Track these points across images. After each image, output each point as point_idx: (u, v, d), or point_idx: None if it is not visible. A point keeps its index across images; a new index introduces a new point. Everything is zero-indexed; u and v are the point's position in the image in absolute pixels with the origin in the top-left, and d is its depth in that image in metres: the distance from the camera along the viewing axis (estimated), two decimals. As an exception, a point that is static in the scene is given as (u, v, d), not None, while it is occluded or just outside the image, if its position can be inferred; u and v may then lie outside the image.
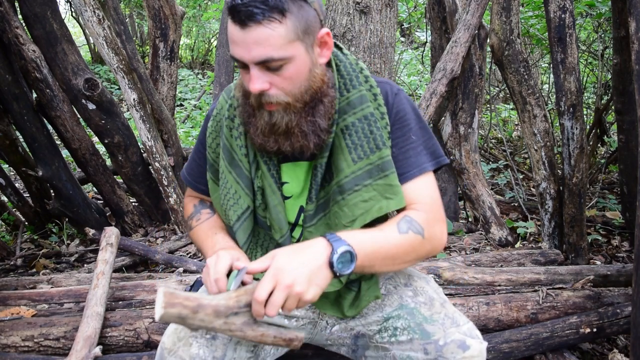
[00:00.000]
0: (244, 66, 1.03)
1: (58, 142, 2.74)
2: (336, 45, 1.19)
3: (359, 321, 1.22)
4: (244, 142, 1.17)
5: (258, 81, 1.01)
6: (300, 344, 1.03)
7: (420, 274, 1.31)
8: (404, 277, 1.27)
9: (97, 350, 1.39)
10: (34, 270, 2.45)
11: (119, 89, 3.11)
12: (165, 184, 2.70)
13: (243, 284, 1.02)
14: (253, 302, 0.95)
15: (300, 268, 0.96)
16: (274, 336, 0.99)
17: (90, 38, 6.87)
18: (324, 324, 1.27)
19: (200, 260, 2.46)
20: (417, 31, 8.09)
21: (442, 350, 1.11)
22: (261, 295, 0.93)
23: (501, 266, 2.12)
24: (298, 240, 1.22)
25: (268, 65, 1.00)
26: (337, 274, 0.99)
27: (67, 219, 2.81)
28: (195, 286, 1.33)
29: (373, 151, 1.12)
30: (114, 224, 2.86)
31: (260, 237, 1.25)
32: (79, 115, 2.56)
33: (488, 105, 4.93)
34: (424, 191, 1.15)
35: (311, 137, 1.08)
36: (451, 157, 2.80)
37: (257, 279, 1.04)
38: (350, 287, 1.21)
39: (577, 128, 2.32)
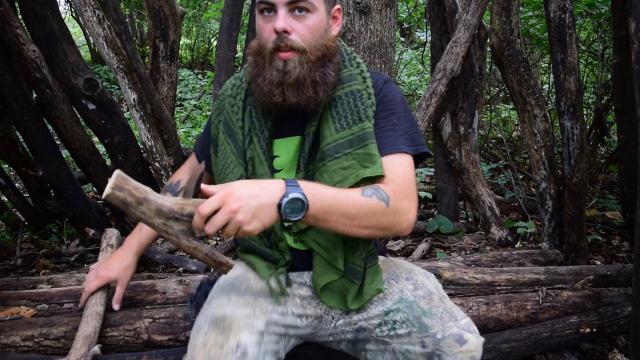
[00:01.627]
0: (269, 12, 1.14)
1: (58, 142, 2.74)
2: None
3: (362, 315, 1.25)
4: (241, 115, 1.28)
5: (284, 21, 1.12)
6: (228, 270, 1.06)
7: (421, 270, 1.33)
8: (405, 271, 1.30)
9: (96, 348, 1.39)
10: (34, 270, 2.45)
11: (119, 89, 3.11)
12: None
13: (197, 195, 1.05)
14: (195, 214, 0.97)
15: (249, 199, 0.98)
16: (206, 253, 1.03)
17: (90, 38, 6.87)
18: (329, 318, 1.29)
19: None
20: (417, 31, 8.09)
21: (439, 344, 1.13)
22: (204, 210, 0.96)
23: (501, 266, 2.12)
24: None
25: (297, 6, 1.13)
26: (283, 217, 1.01)
27: (67, 219, 2.81)
28: (202, 288, 1.35)
29: (355, 122, 1.20)
30: (114, 224, 2.86)
31: None
32: (79, 115, 2.56)
33: (488, 105, 4.93)
34: (395, 169, 1.19)
35: (321, 87, 1.17)
36: (451, 157, 2.80)
37: None
38: (354, 281, 1.23)
39: (577, 128, 2.32)
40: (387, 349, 1.20)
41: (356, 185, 1.17)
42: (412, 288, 1.24)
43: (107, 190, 0.93)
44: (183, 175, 1.51)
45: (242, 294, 1.25)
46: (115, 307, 1.54)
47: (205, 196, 1.01)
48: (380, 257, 1.35)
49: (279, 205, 1.00)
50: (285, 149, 1.27)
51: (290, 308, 1.27)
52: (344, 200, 1.09)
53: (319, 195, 1.05)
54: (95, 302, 1.52)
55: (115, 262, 1.52)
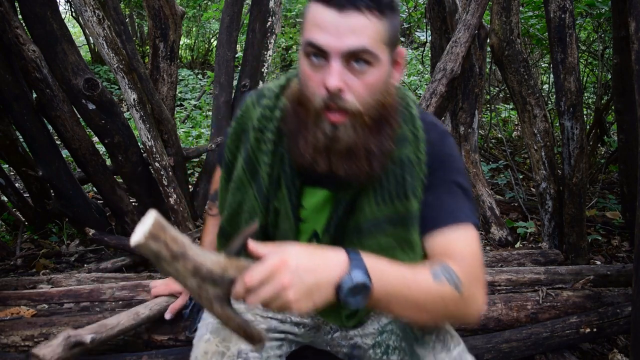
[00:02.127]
0: (318, 58, 0.91)
1: (58, 142, 2.74)
2: None
3: (357, 331, 1.22)
4: (271, 159, 1.07)
5: (337, 77, 0.88)
6: (261, 345, 0.89)
7: None
8: None
9: (88, 338, 1.30)
10: (34, 270, 2.45)
11: (119, 89, 3.11)
12: (165, 184, 2.70)
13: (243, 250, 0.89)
14: (239, 281, 0.83)
15: (304, 273, 0.82)
16: (239, 324, 0.86)
17: (90, 38, 6.86)
18: (327, 329, 1.27)
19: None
20: (417, 31, 8.09)
21: None
22: (251, 281, 0.81)
23: (501, 266, 2.12)
24: None
25: (358, 57, 0.89)
26: (341, 302, 0.85)
27: (67, 219, 2.81)
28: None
29: (400, 199, 1.01)
30: (114, 224, 2.86)
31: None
32: (79, 115, 2.56)
33: (488, 105, 4.93)
34: (462, 245, 0.99)
35: (377, 159, 0.96)
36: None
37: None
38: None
39: (577, 128, 2.32)
40: None
41: None
42: None
43: (139, 238, 0.78)
44: (215, 189, 1.38)
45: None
46: (167, 316, 1.48)
47: (252, 257, 0.86)
48: None
49: (338, 286, 0.84)
50: (312, 199, 1.10)
51: (288, 316, 1.25)
52: (412, 284, 0.90)
53: (386, 276, 0.88)
54: (146, 304, 1.50)
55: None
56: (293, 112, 0.99)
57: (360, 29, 0.88)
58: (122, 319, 1.41)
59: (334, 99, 0.91)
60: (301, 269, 0.82)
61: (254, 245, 0.87)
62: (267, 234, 1.15)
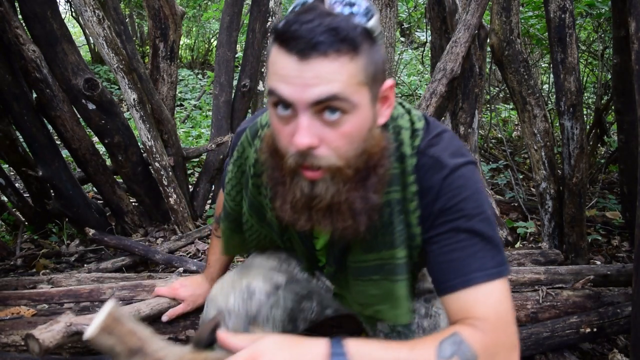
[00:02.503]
0: (285, 109, 0.80)
1: (58, 142, 2.74)
2: None
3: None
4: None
5: (308, 132, 0.78)
6: None
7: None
8: (427, 290, 1.19)
9: (74, 328, 1.28)
10: (34, 270, 2.45)
11: (119, 89, 3.11)
12: (165, 184, 2.70)
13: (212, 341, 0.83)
14: None
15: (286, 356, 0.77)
16: None
17: (90, 38, 6.86)
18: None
19: (201, 261, 2.46)
20: (417, 31, 8.09)
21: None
22: None
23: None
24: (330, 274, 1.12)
25: (327, 107, 0.78)
26: None
27: (67, 219, 2.81)
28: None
29: (387, 247, 0.93)
30: (114, 224, 2.86)
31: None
32: (79, 115, 2.56)
33: (488, 105, 4.93)
34: (482, 307, 0.86)
35: (362, 217, 0.86)
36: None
37: None
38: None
39: (577, 128, 2.32)
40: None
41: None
42: (423, 313, 1.12)
43: (92, 331, 0.72)
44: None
45: (279, 251, 1.26)
46: (164, 318, 1.50)
47: (226, 349, 0.80)
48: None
49: None
50: (323, 233, 1.05)
51: (322, 280, 1.25)
52: None
53: None
54: (148, 302, 1.52)
55: (191, 285, 1.49)
56: (270, 166, 0.90)
57: (328, 76, 0.76)
58: None
59: (306, 157, 0.80)
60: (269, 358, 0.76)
61: (225, 337, 0.81)
62: (292, 249, 1.18)
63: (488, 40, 2.64)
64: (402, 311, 0.96)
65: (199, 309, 1.46)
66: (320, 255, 1.12)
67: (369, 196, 0.86)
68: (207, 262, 1.48)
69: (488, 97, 4.88)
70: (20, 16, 2.37)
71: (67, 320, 1.26)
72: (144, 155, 2.77)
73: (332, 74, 0.76)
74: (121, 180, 2.88)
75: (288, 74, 0.77)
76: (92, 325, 0.72)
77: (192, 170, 4.11)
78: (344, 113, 0.79)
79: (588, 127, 3.83)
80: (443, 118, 2.83)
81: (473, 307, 0.86)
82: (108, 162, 2.85)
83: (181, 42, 6.88)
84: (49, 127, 2.55)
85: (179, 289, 1.49)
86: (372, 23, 0.79)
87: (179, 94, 7.29)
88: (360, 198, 0.85)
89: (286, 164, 0.84)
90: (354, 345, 0.80)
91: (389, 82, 0.86)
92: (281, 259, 1.26)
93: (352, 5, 0.78)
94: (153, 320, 1.53)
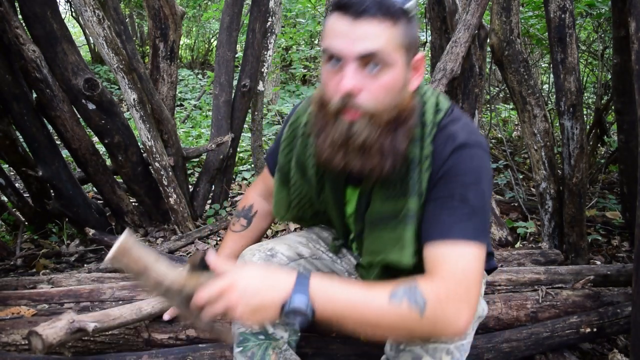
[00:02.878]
0: (336, 63, 0.97)
1: (58, 142, 2.74)
2: None
3: None
4: (315, 161, 1.17)
5: (351, 78, 0.95)
6: (229, 340, 1.05)
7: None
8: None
9: (77, 324, 1.31)
10: (34, 270, 2.45)
11: (119, 89, 3.11)
12: (165, 184, 2.70)
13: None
14: (193, 297, 0.94)
15: (251, 296, 0.91)
16: (206, 326, 0.99)
17: (90, 38, 6.86)
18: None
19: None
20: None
21: None
22: (200, 300, 0.92)
23: (501, 266, 2.12)
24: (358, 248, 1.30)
25: (370, 61, 0.95)
26: (285, 322, 0.99)
27: (67, 219, 2.81)
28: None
29: (402, 196, 1.06)
30: (114, 224, 2.86)
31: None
32: (79, 115, 2.56)
33: (488, 105, 4.94)
34: (451, 262, 0.98)
35: (389, 158, 1.01)
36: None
37: None
38: None
39: (577, 128, 2.32)
40: None
41: (387, 267, 1.10)
42: None
43: (108, 256, 0.94)
44: (254, 197, 1.50)
45: (310, 231, 1.43)
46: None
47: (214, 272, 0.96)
48: None
49: (282, 307, 0.93)
50: (352, 197, 1.20)
51: (345, 262, 1.40)
52: (363, 307, 0.94)
53: (331, 300, 0.94)
54: (149, 301, 1.53)
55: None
56: (316, 114, 1.06)
57: (373, 35, 0.94)
58: (125, 312, 1.45)
59: (349, 100, 0.97)
60: (248, 290, 0.92)
61: (214, 262, 0.97)
62: (328, 220, 1.33)
63: (488, 40, 2.64)
64: (408, 252, 1.06)
65: None
66: (349, 218, 1.24)
67: (396, 142, 1.01)
68: (218, 255, 1.51)
69: (488, 97, 4.88)
70: (20, 16, 2.37)
71: (69, 318, 1.27)
72: (144, 155, 2.77)
73: (376, 33, 0.95)
74: (121, 180, 2.88)
75: (342, 31, 0.95)
76: (110, 252, 0.94)
77: (192, 170, 4.11)
78: (382, 68, 0.96)
79: (588, 127, 3.83)
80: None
81: (444, 260, 0.99)
82: (108, 162, 2.85)
83: (181, 42, 6.88)
84: (49, 127, 2.55)
85: None
86: (409, 5, 0.98)
87: (179, 94, 7.29)
88: (389, 142, 1.01)
89: (330, 110, 1.00)
90: (316, 281, 0.95)
91: (420, 55, 1.04)
92: (310, 239, 1.39)
93: None
94: (156, 318, 1.55)
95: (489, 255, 1.27)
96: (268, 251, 1.29)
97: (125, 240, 0.94)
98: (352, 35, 0.94)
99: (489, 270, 1.32)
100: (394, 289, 0.95)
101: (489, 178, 1.07)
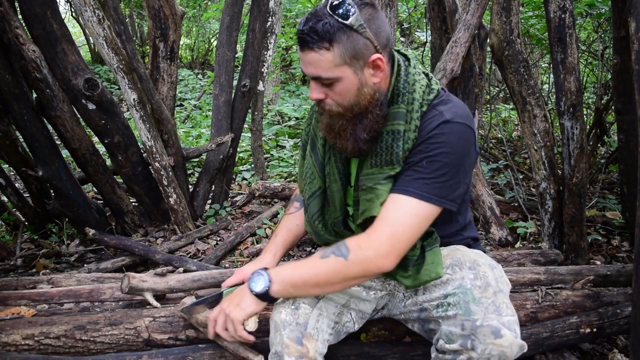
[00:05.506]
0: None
1: (58, 142, 2.74)
2: (407, 58, 1.34)
3: (426, 297, 1.35)
4: (322, 135, 1.40)
5: (314, 92, 1.25)
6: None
7: (488, 260, 1.38)
8: (469, 261, 1.35)
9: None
10: (34, 270, 2.45)
11: (119, 89, 3.11)
12: (165, 184, 2.70)
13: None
14: (210, 322, 1.38)
15: (230, 302, 1.34)
16: (233, 346, 1.44)
17: (90, 38, 6.86)
18: (400, 296, 1.45)
19: (201, 261, 2.46)
20: (417, 31, 8.09)
21: (476, 330, 1.19)
22: (210, 326, 1.38)
23: (501, 266, 2.12)
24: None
25: (320, 82, 1.22)
26: (259, 297, 1.30)
27: (67, 219, 2.81)
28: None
29: (387, 163, 1.27)
30: (114, 224, 2.86)
31: (327, 211, 1.48)
32: (79, 115, 2.56)
33: (488, 105, 4.94)
34: (390, 211, 1.23)
35: (350, 141, 1.28)
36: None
37: None
38: (408, 267, 1.33)
39: (577, 128, 2.32)
40: (439, 330, 1.27)
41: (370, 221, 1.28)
42: (472, 277, 1.29)
43: (184, 308, 1.49)
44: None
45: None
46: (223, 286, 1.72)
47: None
48: (450, 246, 1.43)
49: (250, 290, 1.32)
50: (354, 168, 1.39)
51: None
52: (302, 271, 1.29)
53: (282, 275, 1.30)
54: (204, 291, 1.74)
55: (254, 262, 1.63)
56: (317, 105, 1.35)
57: (314, 62, 1.18)
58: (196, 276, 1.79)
59: (320, 104, 1.29)
60: (226, 302, 1.36)
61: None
62: (324, 196, 1.46)
63: (488, 40, 2.64)
64: (374, 207, 1.26)
65: None
66: (350, 191, 1.40)
67: (358, 131, 1.26)
68: (270, 239, 1.67)
69: (488, 97, 4.88)
70: (20, 16, 2.37)
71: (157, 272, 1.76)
72: (144, 155, 2.77)
73: (316, 61, 1.19)
74: (121, 180, 2.88)
75: (300, 58, 1.22)
76: (185, 305, 1.50)
77: (192, 170, 4.11)
78: (333, 81, 1.21)
79: (588, 127, 3.83)
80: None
81: (387, 210, 1.24)
82: (108, 162, 2.85)
83: (181, 42, 6.88)
84: (49, 127, 2.55)
85: (244, 269, 1.59)
86: (351, 20, 1.15)
87: (179, 94, 7.29)
88: (351, 130, 1.27)
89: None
90: (273, 269, 1.33)
91: (375, 55, 1.20)
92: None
93: (336, 7, 1.15)
94: (154, 319, 1.55)
95: (475, 239, 1.50)
96: (292, 304, 1.39)
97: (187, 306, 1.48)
98: (304, 62, 1.20)
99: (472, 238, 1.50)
100: (324, 250, 1.26)
101: (468, 152, 1.24)
